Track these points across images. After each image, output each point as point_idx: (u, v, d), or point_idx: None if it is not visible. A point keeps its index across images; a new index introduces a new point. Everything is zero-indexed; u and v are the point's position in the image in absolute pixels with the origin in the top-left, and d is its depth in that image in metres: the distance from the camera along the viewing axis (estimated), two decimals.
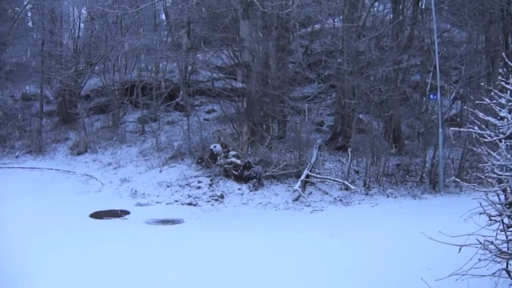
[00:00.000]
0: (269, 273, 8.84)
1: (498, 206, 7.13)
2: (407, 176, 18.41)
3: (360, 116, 20.16)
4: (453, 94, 21.54)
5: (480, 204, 7.10)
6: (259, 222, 13.31)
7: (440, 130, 17.37)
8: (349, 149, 18.31)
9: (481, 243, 6.73)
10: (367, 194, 16.69)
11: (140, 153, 19.64)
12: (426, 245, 10.35)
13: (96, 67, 24.61)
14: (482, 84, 20.82)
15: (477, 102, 7.47)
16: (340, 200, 15.98)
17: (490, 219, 7.15)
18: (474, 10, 21.89)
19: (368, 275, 8.72)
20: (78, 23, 25.76)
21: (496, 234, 7.24)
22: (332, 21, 24.23)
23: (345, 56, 19.63)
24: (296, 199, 15.74)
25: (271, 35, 19.95)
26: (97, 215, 13.65)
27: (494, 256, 7.02)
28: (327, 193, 16.49)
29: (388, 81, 19.74)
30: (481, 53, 23.21)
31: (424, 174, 18.25)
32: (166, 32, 26.52)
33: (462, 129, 7.43)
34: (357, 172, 18.40)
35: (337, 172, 18.18)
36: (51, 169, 18.68)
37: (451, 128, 7.62)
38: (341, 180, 16.98)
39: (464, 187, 17.76)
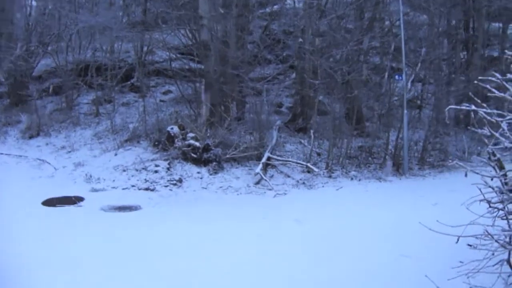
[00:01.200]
0: (234, 264, 8.14)
1: (498, 192, 6.71)
2: (370, 159, 18.14)
3: (321, 97, 19.82)
4: (412, 77, 21.30)
5: (480, 190, 6.66)
6: (221, 208, 12.66)
7: (405, 112, 17.15)
8: (311, 131, 18.00)
9: (489, 234, 6.26)
10: (330, 176, 16.33)
11: (95, 135, 18.81)
12: (397, 230, 10.04)
13: (49, 47, 23.72)
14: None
15: (480, 78, 7.07)
16: (303, 183, 15.59)
17: (490, 206, 6.73)
18: None
19: (339, 263, 8.15)
20: (30, 0, 24.79)
21: (494, 222, 6.83)
22: (292, 1, 23.93)
23: (308, 34, 19.21)
24: (258, 183, 15.27)
25: (231, 13, 19.36)
26: (50, 202, 12.73)
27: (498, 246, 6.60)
28: (289, 176, 16.10)
29: (350, 62, 19.40)
30: (442, 36, 23.19)
31: (387, 156, 17.96)
32: (121, 12, 25.71)
33: (462, 107, 6.94)
34: (319, 154, 18.07)
35: (299, 154, 17.82)
36: (1, 153, 17.76)
37: (450, 107, 7.16)
38: (303, 163, 16.60)
39: (426, 169, 17.73)
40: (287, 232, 10.09)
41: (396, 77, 18.91)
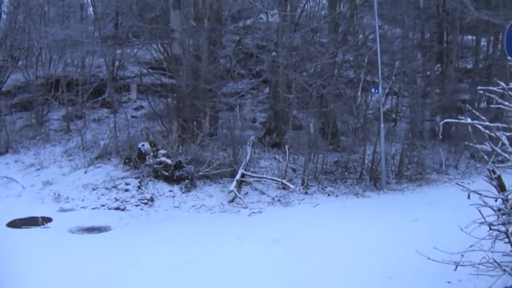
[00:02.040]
0: None
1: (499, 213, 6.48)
2: (346, 173, 17.89)
3: (295, 112, 19.58)
4: (387, 90, 21.20)
5: (480, 212, 6.43)
6: (194, 228, 12.14)
7: (382, 125, 16.98)
8: (286, 146, 17.71)
9: (496, 263, 6.03)
10: (306, 193, 15.98)
11: (65, 152, 18.28)
12: (380, 249, 9.75)
13: (19, 62, 23.26)
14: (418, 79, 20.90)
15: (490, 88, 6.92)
16: (279, 200, 15.21)
17: (491, 229, 6.49)
18: (410, 5, 21.85)
19: (321, 287, 7.87)
20: None
21: (493, 244, 6.61)
22: (265, 15, 23.74)
23: (281, 48, 18.98)
24: (232, 201, 14.85)
25: (203, 26, 19.08)
26: (15, 223, 12.12)
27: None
28: (264, 193, 15.71)
29: (324, 76, 19.20)
30: (417, 49, 23.23)
31: (364, 171, 17.76)
32: (93, 26, 25.31)
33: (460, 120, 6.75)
34: (294, 170, 17.70)
35: (273, 170, 17.43)
36: None
37: (445, 120, 6.89)
38: (278, 179, 16.23)
39: (404, 183, 17.55)
40: (264, 254, 9.65)
41: (372, 90, 18.74)
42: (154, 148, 16.11)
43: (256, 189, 16.02)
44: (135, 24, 21.11)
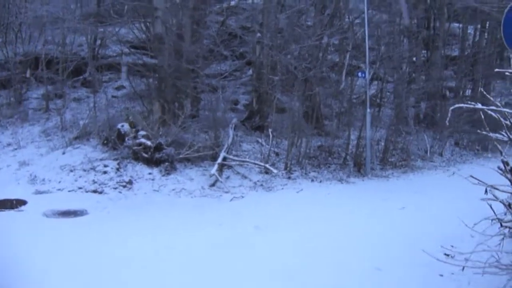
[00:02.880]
0: (191, 277, 7.40)
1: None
2: (330, 158, 17.67)
3: (279, 95, 19.27)
4: (371, 75, 21.02)
5: (491, 206, 6.16)
6: (174, 213, 11.73)
7: (368, 110, 16.74)
8: (270, 130, 17.38)
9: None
10: (289, 178, 15.70)
11: (43, 132, 17.78)
12: (367, 238, 9.43)
13: None
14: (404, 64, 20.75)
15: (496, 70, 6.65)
16: (261, 185, 14.89)
17: (502, 225, 6.20)
18: None
19: (305, 278, 7.43)
20: None
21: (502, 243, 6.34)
22: None
23: (267, 29, 18.68)
24: (213, 185, 14.49)
25: (187, 5, 18.65)
26: None
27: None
28: (246, 177, 15.37)
29: (309, 59, 18.87)
30: (403, 34, 23.19)
31: (348, 156, 17.54)
32: (74, 3, 24.79)
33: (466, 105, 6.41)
34: (277, 154, 17.41)
35: (256, 154, 17.07)
36: None
37: (456, 105, 6.63)
38: (261, 163, 15.88)
39: (389, 169, 17.38)
40: (246, 242, 9.27)
41: (359, 74, 18.52)
42: (134, 129, 15.62)
43: (238, 173, 15.67)
44: (117, 2, 20.65)
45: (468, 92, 25.64)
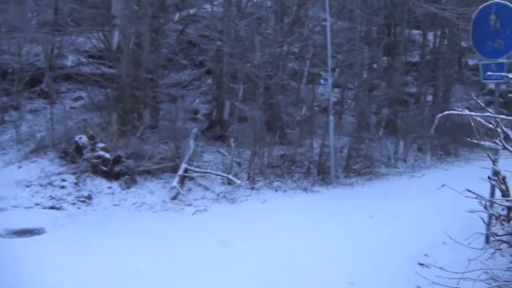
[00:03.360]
0: None
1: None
2: (293, 167, 17.44)
3: (239, 104, 19.01)
4: (331, 82, 20.98)
5: (483, 220, 5.99)
6: (134, 230, 11.10)
7: (331, 117, 16.61)
8: (232, 139, 17.13)
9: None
10: (252, 188, 15.40)
11: None
12: (337, 250, 9.17)
13: None
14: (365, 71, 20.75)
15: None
16: (224, 196, 14.53)
17: (496, 239, 6.02)
18: None
19: None
20: None
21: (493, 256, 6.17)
22: (209, 5, 23.15)
23: (226, 37, 18.44)
24: (175, 198, 14.05)
25: (146, 13, 18.33)
26: None
27: None
28: (208, 189, 14.97)
29: (270, 67, 18.70)
30: (364, 41, 23.37)
31: (311, 165, 17.35)
32: (31, 11, 24.29)
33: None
34: (239, 164, 17.06)
35: (218, 164, 16.70)
36: None
37: (447, 112, 6.47)
38: (224, 174, 15.52)
39: (353, 177, 17.31)
40: (212, 259, 8.80)
41: (321, 81, 18.41)
42: (92, 141, 15.17)
43: (200, 184, 15.25)
44: (75, 10, 20.22)
45: (430, 97, 25.80)
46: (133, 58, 17.59)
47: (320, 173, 16.99)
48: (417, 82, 26.04)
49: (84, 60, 21.28)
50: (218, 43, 19.04)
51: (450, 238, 6.53)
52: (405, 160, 20.34)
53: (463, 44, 27.28)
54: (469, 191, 6.46)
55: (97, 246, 9.69)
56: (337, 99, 22.40)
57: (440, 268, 6.10)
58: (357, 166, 18.41)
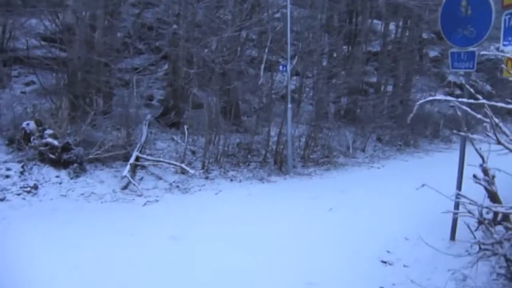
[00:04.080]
0: None
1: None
2: (249, 156, 17.05)
3: (195, 90, 18.57)
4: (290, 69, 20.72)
5: (468, 226, 5.63)
6: (81, 222, 10.35)
7: (289, 105, 16.22)
8: (185, 126, 16.61)
9: None
10: (207, 178, 14.88)
11: None
12: (296, 247, 8.72)
13: None
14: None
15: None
16: (177, 186, 13.94)
17: (481, 249, 5.64)
18: None
19: None
20: None
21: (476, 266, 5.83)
22: None
23: (182, 21, 17.90)
24: (125, 187, 13.42)
25: None
26: None
27: None
28: (161, 178, 14.41)
29: (227, 52, 18.28)
30: (324, 29, 23.21)
31: (268, 154, 16.98)
32: None
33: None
34: (193, 152, 16.58)
35: (171, 152, 16.18)
36: None
37: (433, 98, 6.08)
38: (177, 163, 14.98)
39: (311, 167, 17.03)
40: (161, 256, 8.21)
41: (280, 67, 18.03)
42: (40, 128, 14.51)
43: (152, 173, 14.69)
44: None
45: (389, 88, 25.71)
46: (86, 40, 16.97)
47: (277, 163, 16.61)
48: (377, 72, 25.93)
49: (36, 43, 20.57)
50: (174, 26, 18.55)
51: (419, 236, 6.16)
52: (363, 150, 20.13)
53: (424, 35, 27.35)
54: (464, 196, 6.08)
55: (38, 241, 8.97)
56: (295, 87, 22.14)
57: (404, 266, 5.78)
58: (315, 155, 18.07)
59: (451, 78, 27.92)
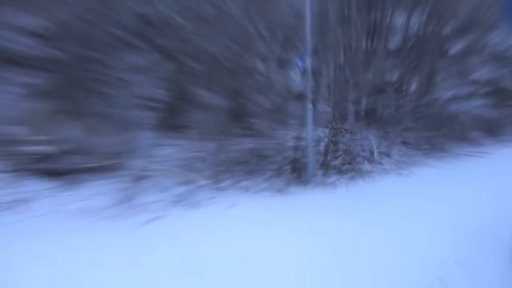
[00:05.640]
0: None
1: None
2: (263, 163, 15.55)
3: (201, 90, 17.14)
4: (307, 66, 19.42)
5: None
6: (77, 243, 9.02)
7: (310, 106, 14.68)
8: (192, 130, 15.22)
9: None
10: (218, 188, 13.36)
11: None
12: (330, 274, 7.26)
13: None
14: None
15: None
16: (184, 199, 12.39)
17: None
18: None
19: None
20: None
21: None
22: None
23: (190, 16, 16.86)
24: (126, 201, 11.87)
25: None
26: None
27: None
28: (166, 189, 12.89)
29: (238, 48, 16.94)
30: (342, 23, 21.70)
31: (284, 160, 15.52)
32: None
33: None
34: (201, 159, 15.11)
35: (177, 160, 14.73)
36: None
37: None
38: (184, 172, 13.59)
39: (333, 175, 15.55)
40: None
41: (299, 62, 16.74)
42: (31, 134, 13.16)
43: (156, 184, 13.15)
44: None
45: (412, 86, 24.41)
46: (82, 37, 15.69)
47: (295, 171, 15.13)
48: (399, 69, 24.54)
49: (28, 41, 19.33)
50: (180, 21, 17.18)
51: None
52: (389, 155, 18.62)
53: (447, 29, 26.08)
54: None
55: (32, 270, 7.77)
56: (311, 87, 20.90)
57: None
58: (337, 162, 16.56)
59: (476, 75, 26.80)
